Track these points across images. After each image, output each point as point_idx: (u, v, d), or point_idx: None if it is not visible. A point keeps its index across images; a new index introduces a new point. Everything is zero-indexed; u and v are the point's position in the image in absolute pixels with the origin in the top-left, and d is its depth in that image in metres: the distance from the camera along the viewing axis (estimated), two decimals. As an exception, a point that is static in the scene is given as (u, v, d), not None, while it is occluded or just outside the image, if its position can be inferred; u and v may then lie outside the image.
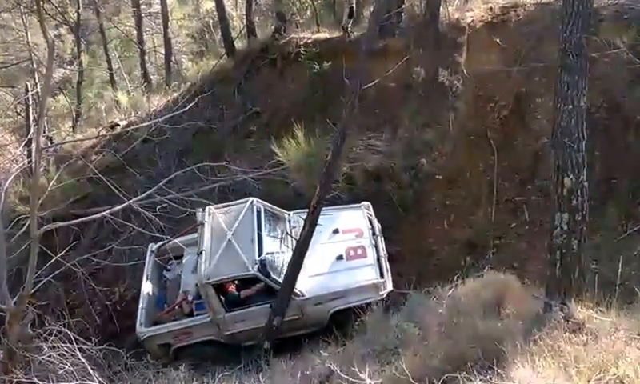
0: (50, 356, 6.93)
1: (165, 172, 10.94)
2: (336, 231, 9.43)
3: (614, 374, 4.51)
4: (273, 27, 13.74)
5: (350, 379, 5.00)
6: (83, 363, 6.80)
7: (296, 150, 10.70)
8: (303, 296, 8.60)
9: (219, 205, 9.60)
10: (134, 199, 6.75)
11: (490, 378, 4.63)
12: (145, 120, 13.01)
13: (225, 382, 7.19)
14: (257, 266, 8.49)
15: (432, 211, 10.82)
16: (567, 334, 5.15)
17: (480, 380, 4.60)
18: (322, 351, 7.12)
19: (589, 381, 4.48)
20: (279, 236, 9.26)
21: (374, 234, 9.43)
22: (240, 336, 8.81)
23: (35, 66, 15.81)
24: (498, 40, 11.79)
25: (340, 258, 9.02)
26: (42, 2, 14.70)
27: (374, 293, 8.63)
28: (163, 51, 18.24)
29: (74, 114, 18.13)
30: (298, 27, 13.67)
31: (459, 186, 10.98)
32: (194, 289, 8.95)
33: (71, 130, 17.02)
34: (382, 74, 10.27)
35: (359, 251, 9.10)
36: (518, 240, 10.09)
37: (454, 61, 11.75)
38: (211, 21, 18.56)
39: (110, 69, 19.04)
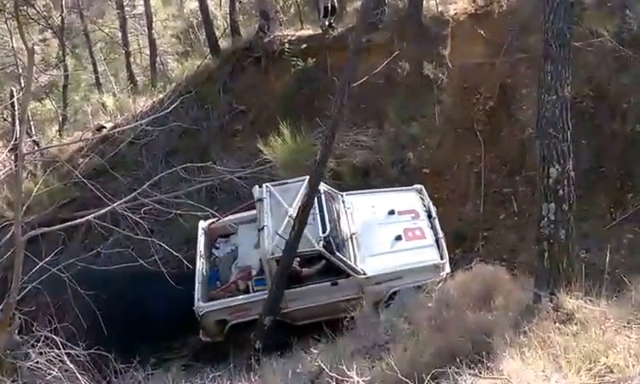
0: (37, 362, 6.86)
1: (152, 173, 10.85)
2: (392, 212, 9.39)
3: (604, 364, 4.49)
4: (257, 26, 13.68)
5: (339, 377, 4.95)
6: (72, 368, 6.74)
7: (282, 148, 10.68)
8: (365, 274, 8.57)
9: (275, 182, 9.55)
10: (118, 202, 6.68)
11: (480, 372, 4.60)
12: (131, 122, 12.92)
13: (216, 383, 7.13)
14: (322, 242, 8.46)
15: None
16: (557, 324, 5.12)
17: (469, 374, 4.56)
18: (312, 349, 7.09)
19: (579, 371, 4.45)
20: (335, 216, 9.22)
21: (429, 216, 9.42)
22: (297, 314, 8.80)
23: (20, 71, 15.66)
24: (481, 31, 11.80)
25: (399, 238, 8.99)
26: (24, 7, 14.57)
27: (435, 274, 8.54)
28: (148, 52, 18.11)
29: (60, 118, 18.03)
30: (281, 25, 13.62)
31: (447, 179, 10.99)
32: (257, 264, 8.89)
33: (58, 133, 16.88)
34: (366, 68, 10.20)
35: (417, 232, 9.10)
36: (506, 231, 10.09)
37: (438, 54, 11.75)
38: (195, 21, 18.47)
39: (96, 71, 18.92)
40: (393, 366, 5.00)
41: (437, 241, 9.01)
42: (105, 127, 13.82)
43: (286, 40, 12.90)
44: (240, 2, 15.21)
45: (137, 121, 11.87)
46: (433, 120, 11.35)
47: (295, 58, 12.27)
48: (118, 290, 9.44)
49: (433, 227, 9.22)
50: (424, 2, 12.18)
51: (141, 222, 6.59)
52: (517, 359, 4.64)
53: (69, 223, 7.89)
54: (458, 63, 11.65)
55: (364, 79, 8.18)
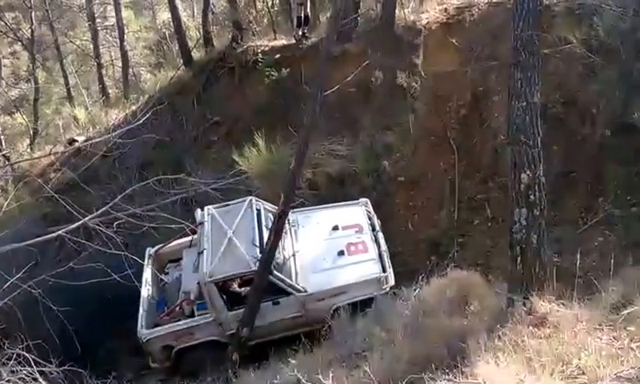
0: (9, 381, 6.67)
1: (126, 186, 10.68)
2: (336, 228, 9.40)
3: (577, 366, 4.56)
4: (230, 36, 13.66)
5: (316, 388, 4.94)
6: (44, 386, 6.57)
7: (257, 158, 10.65)
8: (306, 292, 8.54)
9: (217, 205, 9.46)
10: (90, 216, 6.54)
11: (455, 377, 4.63)
12: (103, 135, 12.73)
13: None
14: (256, 261, 8.44)
15: (396, 213, 10.86)
16: (530, 327, 5.18)
17: (445, 379, 4.58)
18: (289, 359, 7.04)
19: (552, 373, 4.51)
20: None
21: (373, 229, 9.42)
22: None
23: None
24: (453, 40, 11.94)
25: (341, 253, 8.96)
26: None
27: (377, 287, 8.58)
28: (120, 64, 17.97)
29: (31, 132, 17.73)
30: (254, 35, 13.63)
31: (422, 187, 11.07)
32: (196, 288, 8.78)
33: (29, 148, 16.60)
34: (340, 78, 10.23)
35: (360, 246, 9.08)
36: (481, 237, 10.19)
37: (411, 63, 11.87)
38: (168, 32, 18.37)
39: (67, 84, 18.71)
40: (369, 374, 5.00)
41: (379, 254, 9.01)
42: (77, 141, 13.63)
43: (259, 50, 12.91)
44: (213, 13, 15.17)
45: (109, 133, 11.69)
46: (407, 128, 11.43)
47: (269, 69, 12.28)
48: (92, 305, 9.27)
49: (376, 240, 9.22)
50: (396, 12, 12.29)
51: (113, 236, 6.45)
52: (491, 363, 4.68)
53: (40, 238, 7.70)
54: (431, 72, 11.77)
55: (336, 88, 8.22)
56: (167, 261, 9.90)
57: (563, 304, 5.58)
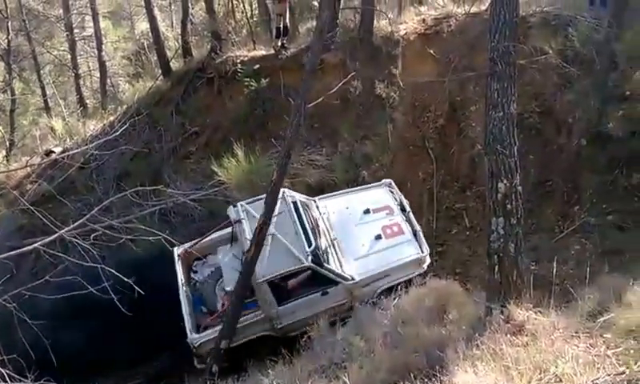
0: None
1: (103, 198, 10.58)
2: (367, 211, 9.44)
3: (554, 373, 4.57)
4: (209, 46, 13.61)
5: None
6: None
7: (237, 169, 10.59)
8: (353, 280, 8.57)
9: (249, 199, 9.35)
10: (66, 229, 6.41)
11: (434, 386, 4.63)
12: (81, 146, 12.58)
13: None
14: (310, 257, 8.43)
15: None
16: (508, 336, 5.20)
17: (423, 389, 4.58)
18: (269, 370, 6.98)
19: (529, 381, 4.52)
20: (314, 225, 9.13)
21: (403, 210, 9.49)
22: (291, 327, 8.71)
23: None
24: (431, 51, 12.06)
25: (378, 237, 9.04)
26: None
27: (417, 267, 8.77)
28: (98, 75, 17.80)
29: (7, 143, 17.45)
30: (234, 46, 13.59)
31: (401, 196, 11.09)
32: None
33: (5, 159, 16.33)
34: (320, 88, 10.26)
35: (395, 229, 9.15)
36: (459, 246, 10.26)
37: (389, 73, 11.94)
38: (146, 42, 18.28)
39: (44, 95, 18.44)
40: (349, 384, 4.97)
41: (414, 234, 9.12)
42: (54, 152, 13.42)
43: (238, 61, 12.86)
44: (192, 24, 15.11)
45: (87, 145, 11.55)
46: (386, 138, 11.49)
47: (248, 79, 12.23)
48: (69, 319, 9.12)
49: (408, 221, 9.31)
50: (375, 23, 12.37)
51: (89, 248, 6.33)
52: (470, 372, 4.68)
53: (16, 251, 7.55)
54: (409, 82, 11.85)
55: (320, 100, 8.21)
56: (193, 259, 9.64)
57: (541, 312, 5.61)
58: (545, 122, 10.93)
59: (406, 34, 12.43)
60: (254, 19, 15.73)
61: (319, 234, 8.97)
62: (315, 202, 9.69)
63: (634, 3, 10.14)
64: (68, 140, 14.06)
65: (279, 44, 12.65)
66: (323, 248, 8.81)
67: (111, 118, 13.74)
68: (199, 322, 8.81)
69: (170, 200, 9.39)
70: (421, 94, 11.69)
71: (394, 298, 7.23)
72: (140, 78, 16.33)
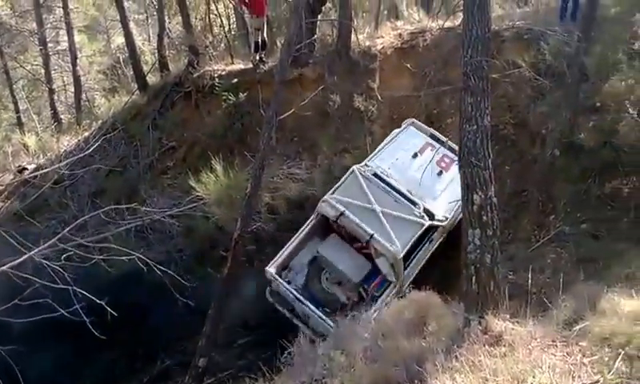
0: None
1: (78, 216, 10.43)
2: (415, 155, 9.75)
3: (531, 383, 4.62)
4: (186, 60, 13.57)
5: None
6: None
7: (215, 184, 10.53)
8: (447, 219, 9.07)
9: (330, 192, 9.46)
10: (35, 250, 6.26)
11: (414, 400, 4.62)
12: (55, 162, 12.41)
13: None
14: (425, 216, 8.88)
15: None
16: (486, 347, 5.22)
17: (404, 403, 4.57)
18: (249, 388, 6.93)
19: (508, 392, 4.56)
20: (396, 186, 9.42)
21: (439, 141, 9.73)
22: (410, 280, 9.10)
23: None
24: (408, 65, 12.21)
25: (440, 173, 9.33)
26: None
27: None
28: (73, 90, 17.59)
29: (-22, 160, 17.07)
30: (211, 60, 13.58)
31: (380, 209, 11.12)
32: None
33: (-24, 176, 15.97)
34: (298, 102, 10.35)
35: (446, 160, 9.43)
36: (439, 257, 10.29)
37: (367, 86, 12.04)
38: (122, 56, 18.15)
39: (17, 111, 18.16)
40: (329, 400, 4.94)
41: None
42: (26, 169, 13.22)
43: (216, 75, 12.86)
44: (168, 37, 15.07)
45: (61, 161, 11.39)
46: (364, 151, 11.48)
47: (226, 93, 12.23)
48: (38, 342, 8.92)
49: (451, 149, 9.44)
50: (352, 37, 12.48)
51: (60, 270, 6.21)
52: (449, 384, 4.70)
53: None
54: (387, 95, 11.97)
55: (291, 112, 8.28)
56: (279, 271, 9.43)
57: (518, 322, 5.66)
58: (519, 134, 11.11)
59: (382, 48, 12.58)
60: (232, 33, 15.74)
61: (401, 192, 9.27)
62: (371, 167, 9.73)
63: (602, 18, 10.41)
64: (41, 156, 13.86)
65: (257, 58, 12.68)
66: (416, 200, 9.18)
67: (86, 134, 13.59)
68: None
69: (147, 217, 9.33)
70: (398, 107, 11.80)
71: (375, 311, 7.22)
72: (116, 92, 16.21)
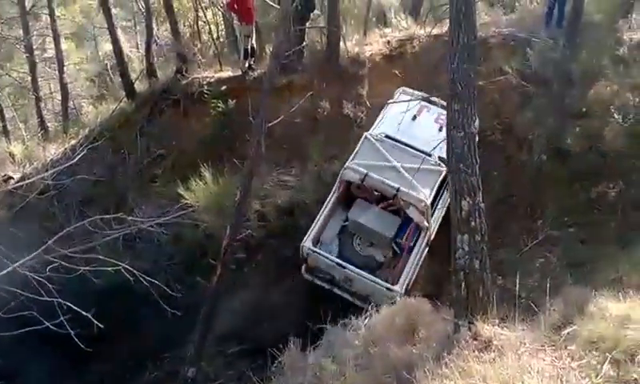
0: None
1: (65, 225, 10.30)
2: (414, 117, 10.20)
3: (520, 388, 4.64)
4: (174, 68, 13.52)
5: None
6: None
7: (204, 191, 10.49)
8: None
9: (349, 160, 9.90)
10: (20, 261, 6.18)
11: (404, 407, 4.62)
12: (41, 171, 12.26)
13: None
14: (440, 164, 9.36)
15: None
16: (475, 352, 5.24)
17: (394, 410, 4.57)
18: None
19: (497, 398, 4.57)
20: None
21: (431, 102, 10.14)
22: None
23: None
24: (396, 71, 12.28)
25: (440, 129, 9.47)
26: None
27: None
28: (60, 97, 17.45)
29: (-37, 170, 16.89)
30: (200, 67, 13.54)
31: (370, 215, 11.13)
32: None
33: (-40, 186, 15.78)
34: (287, 109, 10.36)
35: (443, 117, 9.40)
36: (430, 263, 10.31)
37: (356, 93, 12.11)
38: (110, 63, 18.05)
39: (3, 119, 17.93)
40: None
41: None
42: (12, 178, 13.07)
43: (205, 82, 12.82)
44: (157, 45, 15.01)
45: (47, 170, 11.25)
46: (354, 157, 11.54)
47: (215, 100, 12.20)
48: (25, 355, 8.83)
49: (443, 106, 9.58)
50: (341, 44, 12.53)
51: (44, 281, 6.13)
52: (439, 391, 4.70)
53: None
54: (376, 102, 12.00)
55: (280, 118, 8.30)
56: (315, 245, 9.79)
57: (507, 327, 5.68)
58: (506, 139, 11.22)
59: (371, 55, 12.66)
60: (221, 40, 15.72)
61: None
62: (380, 135, 10.23)
63: (586, 24, 10.54)
64: (28, 165, 13.70)
65: (246, 65, 12.68)
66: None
67: (73, 142, 13.43)
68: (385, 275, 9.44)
69: (135, 226, 9.26)
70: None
71: (365, 318, 7.21)
72: (104, 99, 16.10)
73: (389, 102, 10.96)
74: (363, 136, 10.18)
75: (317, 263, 9.55)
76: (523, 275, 9.08)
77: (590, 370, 4.72)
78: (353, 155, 9.94)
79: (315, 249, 9.55)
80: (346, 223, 9.99)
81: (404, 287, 9.12)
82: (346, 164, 9.82)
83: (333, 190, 10.14)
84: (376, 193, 9.82)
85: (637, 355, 4.64)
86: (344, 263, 9.38)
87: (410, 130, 10.12)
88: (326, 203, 10.01)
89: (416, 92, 10.85)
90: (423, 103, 10.23)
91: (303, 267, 9.72)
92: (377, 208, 9.86)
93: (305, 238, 9.60)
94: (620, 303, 5.60)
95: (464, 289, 5.81)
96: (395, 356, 5.64)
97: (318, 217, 9.88)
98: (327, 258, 9.48)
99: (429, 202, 9.38)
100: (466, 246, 5.81)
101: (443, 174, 9.33)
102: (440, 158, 9.31)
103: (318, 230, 9.76)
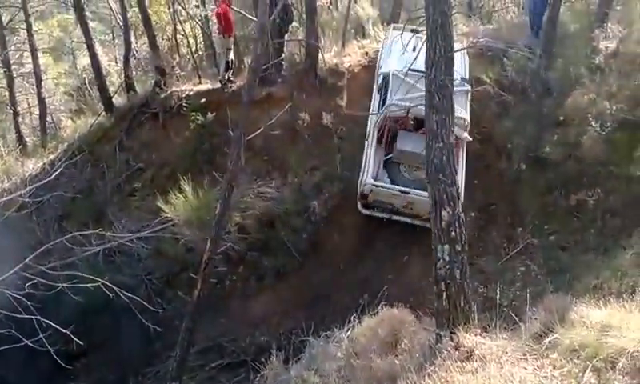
0: None
1: (44, 241, 10.14)
2: (414, 48, 9.99)
3: (503, 398, 4.63)
4: (153, 81, 13.44)
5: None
6: None
7: (184, 204, 10.37)
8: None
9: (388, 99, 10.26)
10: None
11: (387, 420, 4.59)
12: (20, 186, 12.08)
13: None
14: (464, 84, 10.09)
15: (327, 253, 10.87)
16: (458, 362, 5.22)
17: (377, 424, 4.53)
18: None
19: (480, 408, 4.55)
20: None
21: (415, 32, 10.24)
22: None
23: None
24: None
25: None
26: None
27: None
28: (38, 112, 17.27)
29: (-62, 185, 16.57)
30: (178, 80, 13.47)
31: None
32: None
33: (-64, 202, 15.46)
34: (267, 121, 10.32)
35: None
36: (412, 273, 10.32)
37: (335, 104, 12.10)
38: (88, 77, 17.89)
39: (-20, 134, 17.75)
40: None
41: None
42: (-10, 193, 12.85)
43: (184, 95, 12.76)
44: (135, 58, 14.93)
45: (26, 185, 11.09)
46: (334, 168, 11.54)
47: (194, 113, 12.12)
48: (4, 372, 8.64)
49: None
50: (320, 56, 12.55)
51: (22, 298, 6.02)
52: (421, 403, 4.68)
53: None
54: (355, 113, 12.00)
55: (259, 130, 8.26)
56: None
57: (489, 336, 5.68)
58: (486, 149, 11.28)
59: (350, 66, 12.69)
60: (199, 53, 15.67)
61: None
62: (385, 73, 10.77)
63: (562, 34, 10.70)
64: (6, 180, 13.51)
65: (225, 77, 12.64)
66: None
67: (52, 157, 13.31)
68: None
69: (115, 241, 9.15)
70: (366, 125, 11.85)
71: (347, 330, 7.18)
72: (82, 113, 15.93)
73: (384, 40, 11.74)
74: (389, 73, 10.57)
75: (377, 196, 10.16)
76: (504, 284, 9.18)
77: (571, 378, 4.73)
78: (388, 94, 10.40)
79: (378, 183, 10.10)
80: (388, 156, 10.61)
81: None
82: (387, 102, 10.27)
83: (368, 131, 10.72)
84: (412, 122, 10.45)
85: (618, 362, 4.64)
86: (406, 189, 9.94)
87: (420, 59, 10.31)
88: (368, 145, 10.59)
89: (403, 25, 11.09)
90: (414, 34, 10.38)
91: (360, 204, 10.42)
92: (417, 134, 10.24)
93: (363, 178, 10.19)
94: (600, 310, 5.63)
95: (445, 299, 5.80)
96: (378, 367, 5.62)
97: (364, 159, 10.46)
98: (389, 188, 10.08)
99: (469, 118, 10.16)
100: (446, 256, 5.80)
101: (471, 91, 10.38)
102: (462, 79, 10.09)
103: (372, 168, 10.27)
